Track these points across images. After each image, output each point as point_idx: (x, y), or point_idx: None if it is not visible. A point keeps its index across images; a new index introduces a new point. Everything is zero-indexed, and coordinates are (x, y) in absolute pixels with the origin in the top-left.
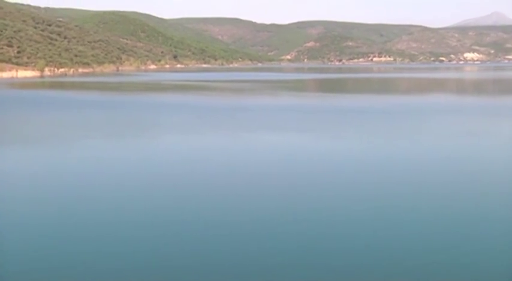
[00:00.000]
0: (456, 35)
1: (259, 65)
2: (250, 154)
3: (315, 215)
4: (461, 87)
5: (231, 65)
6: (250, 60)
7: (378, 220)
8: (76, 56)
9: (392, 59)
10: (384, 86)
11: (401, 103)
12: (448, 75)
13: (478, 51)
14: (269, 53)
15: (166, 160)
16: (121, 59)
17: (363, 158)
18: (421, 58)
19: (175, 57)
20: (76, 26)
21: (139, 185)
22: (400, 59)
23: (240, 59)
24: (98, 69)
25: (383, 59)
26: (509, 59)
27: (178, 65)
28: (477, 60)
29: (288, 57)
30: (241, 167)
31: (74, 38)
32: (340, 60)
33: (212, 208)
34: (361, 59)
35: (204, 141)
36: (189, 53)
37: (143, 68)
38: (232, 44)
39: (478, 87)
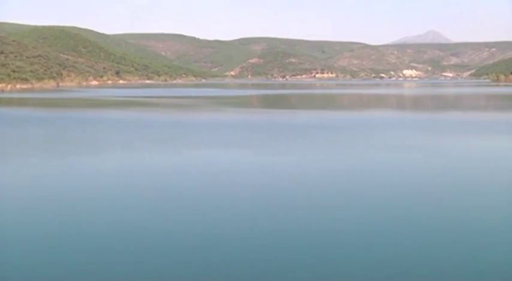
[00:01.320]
0: (395, 52)
1: (203, 81)
2: (192, 169)
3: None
4: (401, 103)
5: (174, 81)
6: (194, 76)
7: (321, 235)
8: (14, 71)
9: (334, 75)
10: (328, 102)
11: (345, 118)
12: (388, 91)
13: (416, 68)
14: (213, 69)
15: (102, 177)
16: (61, 74)
17: (306, 172)
18: (362, 74)
19: (117, 73)
20: (14, 41)
21: (76, 201)
22: (342, 75)
23: (183, 75)
24: (37, 85)
25: (325, 75)
26: (445, 76)
27: (121, 81)
28: (415, 77)
29: (232, 73)
30: (182, 184)
31: (12, 53)
32: (283, 77)
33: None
34: (304, 75)
35: (145, 157)
36: (132, 69)
37: (85, 84)
38: (176, 60)
39: (417, 103)
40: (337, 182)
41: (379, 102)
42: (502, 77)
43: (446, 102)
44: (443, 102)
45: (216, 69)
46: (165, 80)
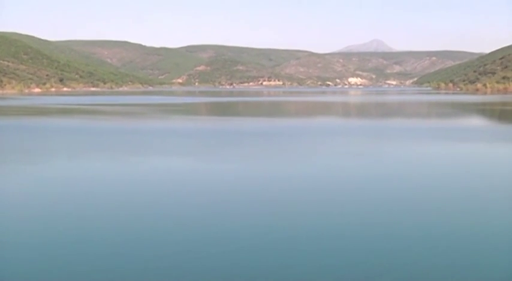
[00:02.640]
0: (341, 60)
1: (150, 88)
2: (139, 178)
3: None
4: (347, 110)
5: (120, 89)
6: (141, 83)
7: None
8: None
9: (281, 83)
10: (275, 110)
11: (292, 126)
12: (335, 98)
13: (361, 76)
14: (160, 77)
15: (42, 186)
16: (2, 82)
17: (255, 179)
18: (308, 82)
19: (61, 80)
20: None
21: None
22: (289, 83)
23: (130, 83)
24: None
25: (272, 83)
26: (389, 84)
27: (65, 89)
28: (360, 84)
29: (179, 80)
30: (128, 192)
31: None
32: (231, 84)
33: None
34: (251, 83)
35: (89, 165)
36: (76, 76)
37: (27, 91)
38: (122, 67)
39: (363, 110)
40: (285, 188)
41: (325, 109)
42: (442, 85)
43: (391, 109)
44: (388, 109)
45: (163, 76)
46: (111, 88)
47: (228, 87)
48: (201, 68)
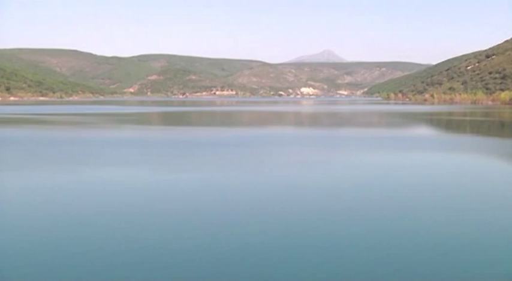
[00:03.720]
0: (293, 70)
1: (101, 98)
2: (88, 189)
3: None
4: (300, 119)
5: (70, 98)
6: (92, 93)
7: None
8: None
9: (234, 92)
10: (229, 119)
11: (246, 135)
12: (287, 108)
13: (313, 86)
14: (111, 86)
15: None
16: None
17: (207, 190)
18: (261, 92)
19: (8, 89)
20: None
21: None
22: (241, 92)
23: (80, 92)
24: None
25: (225, 92)
26: (340, 94)
27: (12, 98)
28: (312, 94)
29: (131, 90)
30: (70, 204)
31: None
32: (183, 94)
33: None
34: (204, 93)
35: (38, 177)
36: (24, 85)
37: None
38: (72, 77)
39: (315, 120)
40: (238, 198)
41: (279, 119)
42: (392, 95)
43: (344, 119)
44: (341, 119)
45: (115, 86)
46: (61, 97)
47: (180, 97)
48: (153, 77)
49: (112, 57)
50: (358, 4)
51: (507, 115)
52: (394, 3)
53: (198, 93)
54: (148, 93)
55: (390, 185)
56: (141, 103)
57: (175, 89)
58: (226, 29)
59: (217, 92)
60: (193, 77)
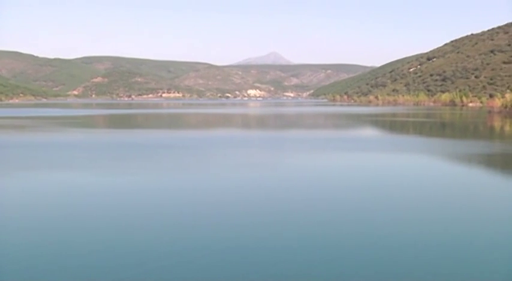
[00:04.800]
0: (240, 72)
1: (44, 100)
2: (32, 193)
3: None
4: (247, 121)
5: (11, 101)
6: (34, 95)
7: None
8: None
9: (181, 95)
10: (175, 122)
11: (192, 138)
12: (234, 110)
13: (260, 88)
14: (54, 89)
15: None
16: None
17: (156, 192)
18: (208, 94)
19: None
20: None
21: None
22: (188, 95)
23: (21, 95)
24: None
25: (172, 95)
26: (287, 96)
27: None
28: (259, 96)
29: (75, 92)
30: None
31: None
32: (129, 96)
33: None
34: (150, 95)
35: None
36: None
37: None
38: (13, 79)
39: (263, 122)
40: (187, 201)
41: (226, 121)
42: (337, 97)
43: (291, 121)
44: (288, 120)
45: (58, 88)
46: (0, 100)
47: (126, 99)
48: (98, 79)
49: (55, 59)
50: (303, 6)
51: (447, 116)
52: (339, 7)
53: (145, 96)
54: (93, 95)
55: (341, 186)
56: (86, 106)
57: (121, 91)
58: (173, 31)
59: (163, 95)
60: (139, 80)
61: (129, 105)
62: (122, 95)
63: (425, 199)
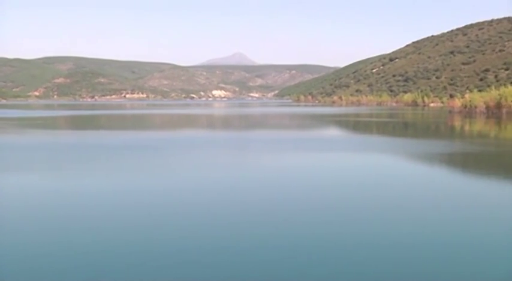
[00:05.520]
0: (204, 73)
1: (3, 101)
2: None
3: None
4: (212, 122)
5: None
6: None
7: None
8: None
9: (145, 95)
10: (139, 123)
11: (157, 138)
12: (199, 111)
13: (225, 89)
14: (14, 89)
15: None
16: None
17: (123, 194)
18: (173, 95)
19: None
20: None
21: None
22: (152, 95)
23: None
24: None
25: (136, 95)
26: (252, 96)
27: None
28: (224, 97)
29: (36, 93)
30: None
31: None
32: (92, 97)
33: None
34: (113, 96)
35: None
36: None
37: None
38: None
39: (228, 122)
40: (150, 202)
41: (191, 122)
42: (302, 97)
43: (257, 121)
44: (254, 121)
45: (18, 89)
46: None
47: (89, 100)
48: (60, 80)
49: (14, 60)
50: (267, 7)
51: (410, 116)
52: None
53: (108, 97)
54: (55, 96)
55: (306, 185)
56: (47, 107)
57: (83, 92)
58: (137, 31)
59: (127, 95)
60: (103, 80)
61: (93, 106)
62: (84, 96)
63: (388, 198)
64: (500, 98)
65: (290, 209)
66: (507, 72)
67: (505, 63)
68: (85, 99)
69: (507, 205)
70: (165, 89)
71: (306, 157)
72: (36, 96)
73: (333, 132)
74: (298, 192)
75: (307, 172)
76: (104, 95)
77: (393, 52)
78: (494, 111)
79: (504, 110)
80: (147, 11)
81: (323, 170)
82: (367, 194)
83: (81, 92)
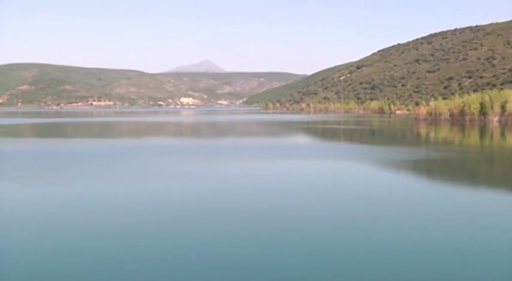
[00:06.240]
0: (172, 80)
1: None
2: None
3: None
4: (180, 130)
5: None
6: None
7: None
8: None
9: (112, 103)
10: (106, 130)
11: (124, 146)
12: (167, 119)
13: (193, 96)
14: None
15: None
16: None
17: (89, 202)
18: (140, 102)
19: None
20: None
21: None
22: (120, 103)
23: None
24: None
25: (103, 103)
26: (220, 104)
27: None
28: (192, 104)
29: None
30: None
31: None
32: (58, 105)
33: None
34: (80, 103)
35: None
36: None
37: None
38: None
39: (196, 130)
40: (116, 210)
41: (159, 129)
42: (270, 104)
43: (225, 128)
44: (222, 128)
45: None
46: None
47: (55, 107)
48: (24, 87)
49: None
50: (236, 15)
51: (376, 123)
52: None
53: (74, 104)
54: (19, 104)
55: (274, 192)
56: (11, 114)
57: (49, 99)
58: (103, 37)
59: (94, 103)
60: (68, 87)
61: (58, 114)
62: (50, 103)
63: (356, 205)
64: (464, 106)
65: (258, 216)
66: (470, 80)
67: (468, 72)
68: (50, 107)
69: (469, 208)
70: (132, 96)
71: (275, 164)
72: (0, 104)
73: (302, 139)
74: (268, 199)
75: (276, 179)
76: (69, 103)
77: (360, 60)
78: (458, 119)
79: (467, 117)
80: (113, 17)
81: (292, 177)
82: (335, 201)
83: (46, 100)
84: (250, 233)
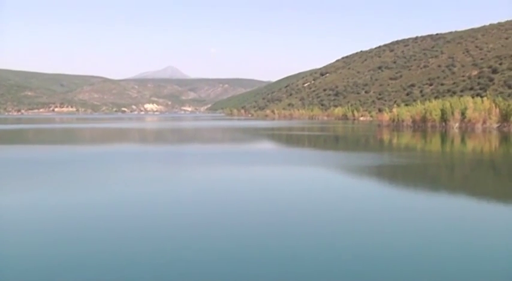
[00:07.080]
0: (136, 86)
1: None
2: None
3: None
4: (144, 136)
5: None
6: None
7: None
8: None
9: (75, 109)
10: (69, 137)
11: (86, 153)
12: (131, 125)
13: (157, 103)
14: None
15: None
16: None
17: (53, 209)
18: (104, 108)
19: None
20: None
21: None
22: (82, 109)
23: None
24: None
25: (65, 109)
26: (185, 110)
27: None
28: (156, 110)
29: None
30: None
31: None
32: (19, 111)
33: None
34: (42, 109)
35: None
36: None
37: None
38: None
39: (160, 136)
40: (83, 216)
41: (122, 136)
42: (235, 111)
43: (189, 135)
44: (186, 135)
45: None
46: None
47: (15, 114)
48: None
49: None
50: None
51: (340, 130)
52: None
53: (36, 110)
54: None
55: (240, 199)
56: None
57: (9, 105)
58: (65, 43)
59: (56, 109)
60: (29, 93)
61: (19, 120)
62: (10, 109)
63: (318, 210)
64: (425, 112)
65: (223, 223)
66: (431, 87)
67: (429, 79)
68: (11, 113)
69: (432, 214)
70: (95, 102)
71: (238, 170)
72: None
73: (267, 145)
74: (234, 205)
75: (236, 185)
76: (31, 109)
77: (324, 67)
78: (420, 125)
79: (429, 124)
80: (75, 22)
81: (257, 183)
82: (300, 207)
83: (6, 106)
84: (212, 240)
